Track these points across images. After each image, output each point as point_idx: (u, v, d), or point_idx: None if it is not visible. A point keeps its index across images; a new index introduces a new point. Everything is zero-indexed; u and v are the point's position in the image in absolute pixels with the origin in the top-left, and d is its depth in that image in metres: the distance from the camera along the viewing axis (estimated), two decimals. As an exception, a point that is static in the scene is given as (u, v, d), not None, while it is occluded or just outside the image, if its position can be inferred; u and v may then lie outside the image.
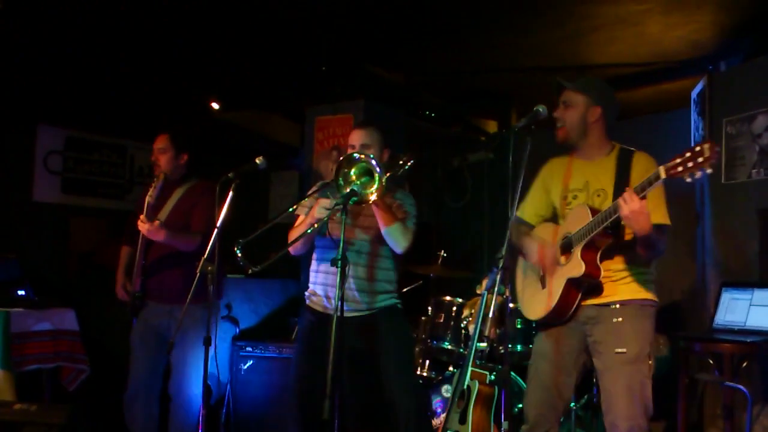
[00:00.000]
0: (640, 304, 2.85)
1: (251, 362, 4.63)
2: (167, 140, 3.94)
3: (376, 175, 2.96)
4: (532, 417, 2.97)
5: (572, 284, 2.83)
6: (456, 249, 4.96)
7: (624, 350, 2.78)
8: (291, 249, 3.30)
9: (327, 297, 3.37)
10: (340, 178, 2.98)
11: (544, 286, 2.98)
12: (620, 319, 2.82)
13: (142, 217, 3.73)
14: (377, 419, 3.48)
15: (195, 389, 3.78)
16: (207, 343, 3.17)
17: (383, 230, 3.25)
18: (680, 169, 2.40)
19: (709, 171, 2.37)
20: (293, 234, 3.34)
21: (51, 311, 4.32)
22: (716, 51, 4.74)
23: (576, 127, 2.97)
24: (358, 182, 2.99)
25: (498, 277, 2.63)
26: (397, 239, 3.27)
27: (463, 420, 3.98)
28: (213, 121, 6.24)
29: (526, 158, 2.80)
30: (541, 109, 2.82)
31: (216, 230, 3.22)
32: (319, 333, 3.22)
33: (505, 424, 2.62)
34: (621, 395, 2.78)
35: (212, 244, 3.20)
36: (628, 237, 2.82)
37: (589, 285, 2.84)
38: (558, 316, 2.91)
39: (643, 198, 2.56)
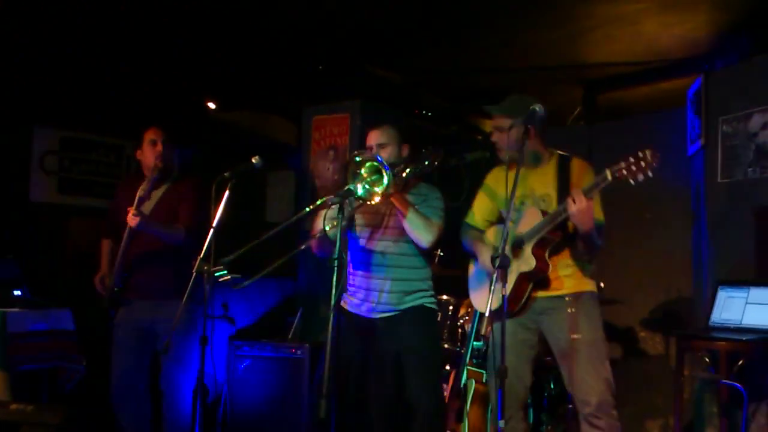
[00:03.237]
0: (589, 296, 3.15)
1: (248, 362, 4.62)
2: (159, 132, 3.91)
3: (385, 173, 2.95)
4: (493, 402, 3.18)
5: (523, 278, 3.09)
6: (453, 248, 4.95)
7: (579, 336, 3.06)
8: (315, 251, 3.37)
9: (365, 300, 3.36)
10: (351, 178, 2.98)
11: None
12: (573, 309, 3.09)
13: (131, 210, 3.67)
14: (398, 419, 3.47)
15: (186, 385, 3.79)
16: (203, 342, 3.18)
17: (404, 226, 3.24)
18: (624, 172, 2.74)
19: (650, 174, 2.69)
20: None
21: (47, 311, 4.31)
22: (712, 49, 4.75)
23: (512, 147, 3.12)
24: (369, 180, 2.99)
25: (494, 275, 2.64)
26: (419, 233, 3.24)
27: (459, 419, 3.98)
28: (210, 121, 6.23)
29: (522, 157, 2.90)
30: (537, 109, 2.88)
31: (212, 230, 3.21)
32: (348, 334, 3.25)
33: (501, 423, 2.61)
34: (585, 373, 3.04)
35: (208, 244, 3.20)
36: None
37: (538, 278, 3.09)
38: (510, 307, 3.09)
39: (590, 198, 2.84)
